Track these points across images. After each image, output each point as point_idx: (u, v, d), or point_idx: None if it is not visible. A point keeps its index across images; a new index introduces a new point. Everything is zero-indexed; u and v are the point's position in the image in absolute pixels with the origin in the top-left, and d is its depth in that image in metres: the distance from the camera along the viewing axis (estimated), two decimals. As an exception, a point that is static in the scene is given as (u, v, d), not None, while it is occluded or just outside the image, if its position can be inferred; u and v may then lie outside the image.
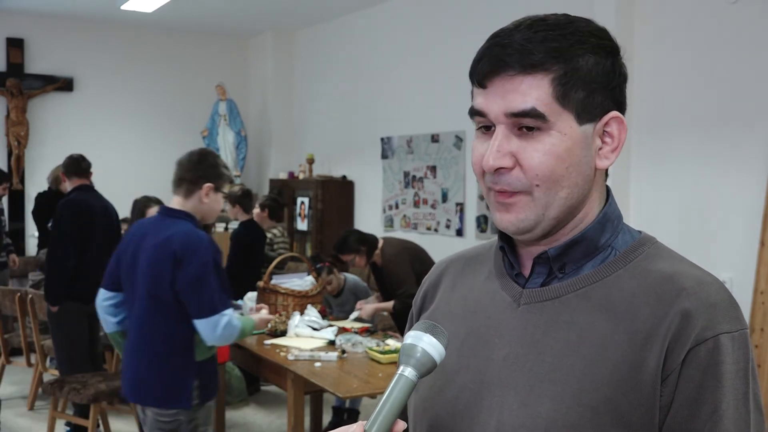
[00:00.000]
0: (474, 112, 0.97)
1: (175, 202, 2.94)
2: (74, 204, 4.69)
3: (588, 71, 0.93)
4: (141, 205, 4.58)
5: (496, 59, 0.93)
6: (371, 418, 0.87)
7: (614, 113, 0.96)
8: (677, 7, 4.31)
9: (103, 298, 3.03)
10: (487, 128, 0.96)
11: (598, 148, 0.97)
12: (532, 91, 0.92)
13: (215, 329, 2.81)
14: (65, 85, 7.81)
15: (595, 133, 0.96)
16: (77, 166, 4.80)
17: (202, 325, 2.80)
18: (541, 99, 0.92)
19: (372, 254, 4.65)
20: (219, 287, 2.81)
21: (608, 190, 1.03)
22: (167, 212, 2.92)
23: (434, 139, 6.22)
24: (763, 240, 3.84)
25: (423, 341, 0.89)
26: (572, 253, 0.98)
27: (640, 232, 1.02)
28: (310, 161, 7.51)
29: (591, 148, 0.96)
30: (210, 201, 2.91)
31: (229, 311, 2.85)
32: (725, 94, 4.09)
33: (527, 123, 0.92)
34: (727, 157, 4.08)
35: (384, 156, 6.86)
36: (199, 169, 2.92)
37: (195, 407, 2.88)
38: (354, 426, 0.87)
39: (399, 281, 4.56)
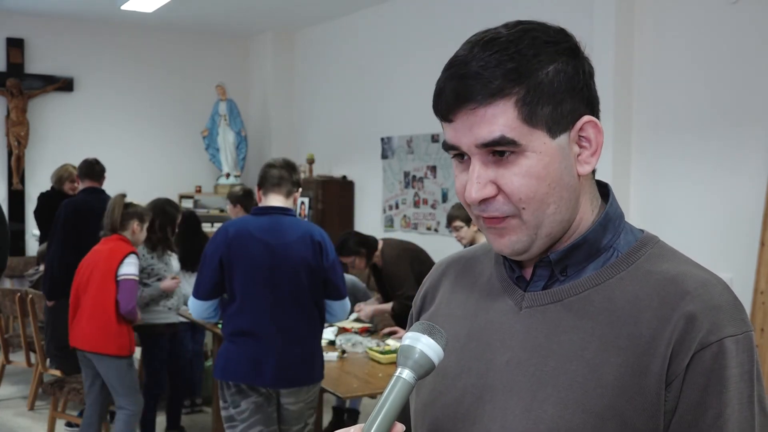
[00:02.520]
0: (447, 146, 0.96)
1: (279, 200, 3.18)
2: (75, 204, 4.79)
3: (550, 83, 0.91)
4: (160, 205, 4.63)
5: (456, 93, 0.91)
6: (369, 420, 0.86)
7: (586, 118, 0.94)
8: (677, 7, 4.30)
9: (207, 307, 3.17)
10: (463, 156, 0.96)
11: (577, 155, 0.95)
12: (497, 119, 0.90)
13: (346, 309, 3.25)
14: (65, 85, 7.80)
15: (571, 140, 0.94)
16: (90, 169, 4.97)
17: (338, 306, 3.21)
18: (508, 125, 0.90)
19: (372, 256, 4.64)
20: None
21: (609, 189, 1.02)
22: (281, 210, 3.17)
23: (434, 139, 6.22)
24: (763, 240, 3.84)
25: (421, 342, 0.88)
26: (574, 256, 0.97)
27: (642, 231, 1.01)
28: (310, 161, 7.51)
29: (570, 157, 0.94)
30: (297, 204, 3.29)
31: None
32: (725, 94, 4.08)
33: (500, 149, 0.91)
34: (727, 157, 4.07)
35: (384, 156, 6.86)
36: (296, 175, 3.23)
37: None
38: (352, 429, 0.86)
39: (398, 282, 4.55)
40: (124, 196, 4.13)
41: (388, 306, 4.63)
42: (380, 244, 4.69)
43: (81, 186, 5.00)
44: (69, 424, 4.91)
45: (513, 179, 0.91)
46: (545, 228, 0.94)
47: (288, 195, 3.18)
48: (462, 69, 0.92)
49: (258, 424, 3.12)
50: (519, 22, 0.95)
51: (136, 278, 3.94)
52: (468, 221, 4.48)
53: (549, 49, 0.92)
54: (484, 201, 0.93)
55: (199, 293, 3.17)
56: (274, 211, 3.16)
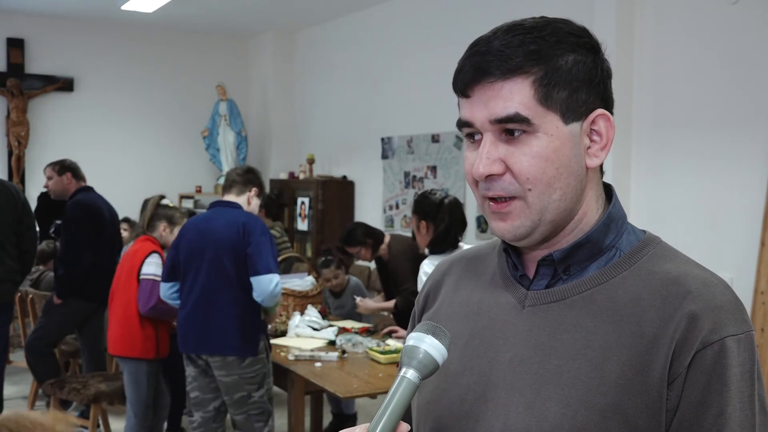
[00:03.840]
0: (461, 123, 0.97)
1: (230, 197, 3.67)
2: (85, 204, 4.80)
3: (569, 70, 0.93)
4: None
5: (476, 67, 0.93)
6: (374, 420, 0.86)
7: (600, 111, 0.96)
8: (677, 7, 4.30)
9: (168, 288, 3.67)
10: (476, 137, 0.97)
11: (587, 147, 0.96)
12: (514, 95, 0.92)
13: (269, 285, 3.47)
14: (65, 85, 7.80)
15: (583, 132, 0.95)
16: (79, 169, 4.94)
17: (259, 281, 3.46)
18: (524, 102, 0.91)
19: (378, 248, 4.64)
20: (274, 256, 3.53)
21: (612, 190, 1.03)
22: (225, 204, 3.66)
23: (434, 139, 6.22)
24: (763, 240, 3.84)
25: (425, 343, 0.89)
26: (577, 255, 0.98)
27: (644, 231, 1.02)
28: (311, 161, 7.51)
29: (580, 147, 0.95)
30: (254, 202, 3.70)
31: (278, 277, 3.53)
32: (725, 95, 4.08)
33: (513, 128, 0.92)
34: (728, 157, 4.08)
35: (384, 156, 6.86)
36: (249, 176, 3.71)
37: (266, 358, 3.63)
38: (357, 429, 0.86)
39: (404, 277, 4.53)
40: (161, 197, 4.21)
41: (390, 303, 4.62)
42: (387, 238, 4.70)
43: (74, 186, 4.95)
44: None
45: (522, 159, 0.93)
46: (549, 214, 0.95)
47: (239, 193, 3.68)
48: (484, 47, 0.94)
49: (196, 390, 3.66)
50: (544, 16, 0.97)
51: (156, 278, 3.90)
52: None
53: (571, 39, 0.94)
54: (490, 178, 0.94)
55: (162, 275, 3.73)
56: (218, 204, 3.70)
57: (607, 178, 1.04)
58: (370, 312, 4.76)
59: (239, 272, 3.49)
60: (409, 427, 0.89)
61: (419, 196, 3.87)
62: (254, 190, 3.70)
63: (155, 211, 4.12)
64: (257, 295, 3.49)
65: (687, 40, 4.26)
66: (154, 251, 3.98)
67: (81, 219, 4.69)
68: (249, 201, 3.68)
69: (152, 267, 3.92)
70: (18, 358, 5.70)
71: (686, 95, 4.28)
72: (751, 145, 3.96)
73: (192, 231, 3.63)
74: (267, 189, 8.06)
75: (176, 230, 4.06)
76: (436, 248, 3.57)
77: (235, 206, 3.63)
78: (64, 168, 4.92)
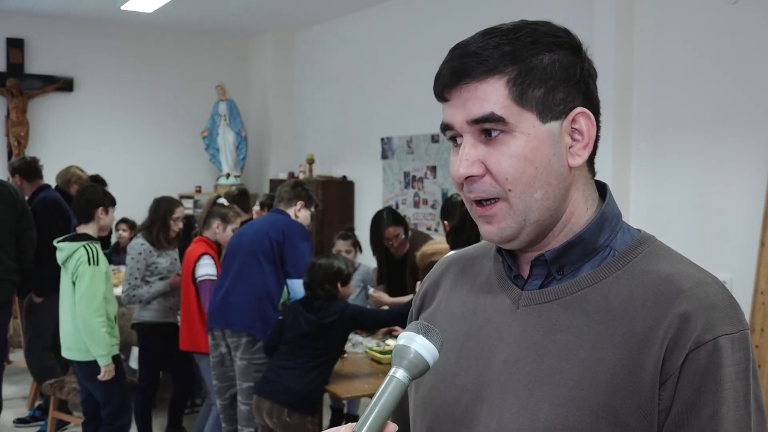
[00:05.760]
0: (443, 127, 0.98)
1: (281, 206, 4.07)
2: (54, 201, 4.96)
3: (543, 69, 0.93)
4: (166, 205, 4.61)
5: (453, 71, 0.95)
6: (361, 419, 0.86)
7: (580, 109, 0.95)
8: (677, 7, 4.30)
9: None
10: (458, 140, 0.97)
11: (569, 146, 0.96)
12: (489, 96, 0.93)
13: (294, 289, 3.80)
14: (65, 85, 7.80)
15: (563, 131, 0.95)
16: (38, 168, 5.02)
17: (296, 284, 3.75)
18: (499, 102, 0.92)
19: (407, 230, 4.72)
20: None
21: (606, 189, 1.03)
22: (277, 211, 4.05)
23: (434, 139, 6.22)
24: (763, 240, 3.84)
25: (416, 343, 0.88)
26: (570, 254, 0.97)
27: (639, 230, 1.01)
28: (310, 161, 7.51)
29: (560, 146, 0.95)
30: (302, 214, 4.04)
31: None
32: (725, 95, 4.08)
33: (490, 127, 0.93)
34: (728, 157, 4.07)
35: (384, 156, 6.86)
36: (297, 190, 4.05)
37: None
38: (343, 428, 0.86)
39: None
40: (218, 197, 4.46)
41: (407, 298, 4.58)
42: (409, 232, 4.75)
43: (30, 186, 5.00)
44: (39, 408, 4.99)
45: (500, 159, 0.93)
46: (533, 214, 0.95)
47: (287, 207, 4.03)
48: (461, 51, 0.95)
49: (215, 378, 3.97)
50: (524, 19, 0.98)
51: (212, 278, 4.08)
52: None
53: (547, 39, 0.94)
54: (470, 180, 0.95)
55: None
56: (273, 210, 4.11)
57: (606, 178, 1.03)
58: (382, 306, 4.72)
59: (269, 258, 3.79)
60: (397, 428, 0.88)
61: (443, 201, 4.02)
62: (300, 203, 4.01)
63: (210, 209, 4.32)
64: (292, 298, 3.74)
65: (687, 40, 4.26)
66: (205, 253, 4.14)
67: (53, 215, 4.84)
68: (296, 214, 4.00)
69: (206, 268, 4.11)
70: (18, 358, 5.70)
71: (686, 95, 4.27)
72: (751, 145, 3.96)
73: (238, 232, 4.05)
74: (267, 189, 8.08)
75: (230, 228, 4.27)
76: (455, 243, 3.55)
77: (283, 213, 4.01)
78: (14, 170, 5.03)
